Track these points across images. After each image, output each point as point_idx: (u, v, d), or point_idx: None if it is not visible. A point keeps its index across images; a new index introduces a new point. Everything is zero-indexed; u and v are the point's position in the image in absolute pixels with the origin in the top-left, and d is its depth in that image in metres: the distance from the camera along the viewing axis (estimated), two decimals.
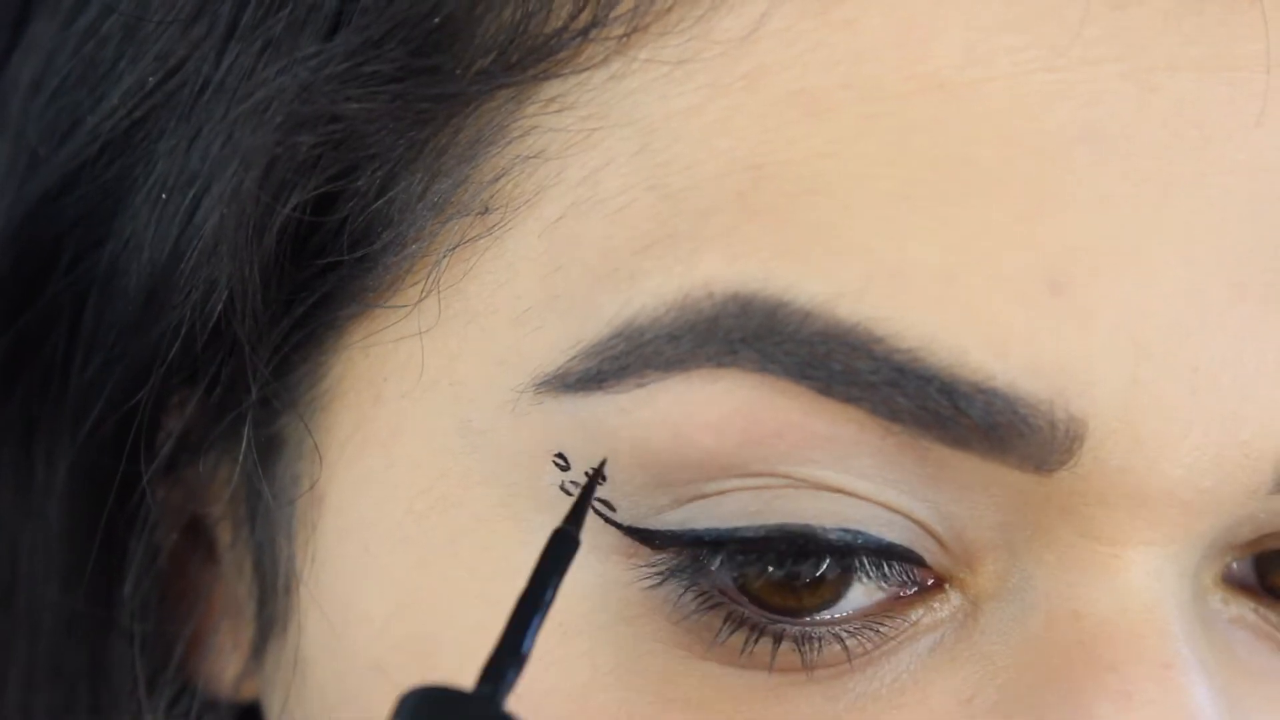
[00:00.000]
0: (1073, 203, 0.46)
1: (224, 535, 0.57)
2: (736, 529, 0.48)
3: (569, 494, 0.49)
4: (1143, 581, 0.48)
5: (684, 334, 0.47)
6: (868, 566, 0.48)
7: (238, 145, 0.51)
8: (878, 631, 0.49)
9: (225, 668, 0.58)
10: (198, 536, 0.58)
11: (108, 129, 0.54)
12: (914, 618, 0.49)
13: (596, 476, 0.48)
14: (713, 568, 0.48)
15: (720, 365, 0.47)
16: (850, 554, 0.48)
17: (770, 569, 0.48)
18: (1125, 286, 0.46)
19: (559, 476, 0.49)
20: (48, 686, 0.59)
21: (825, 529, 0.48)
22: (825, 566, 0.48)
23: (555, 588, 0.46)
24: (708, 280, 0.47)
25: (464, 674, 0.49)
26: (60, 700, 0.59)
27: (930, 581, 0.49)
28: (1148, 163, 0.46)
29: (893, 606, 0.49)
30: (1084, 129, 0.46)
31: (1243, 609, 0.50)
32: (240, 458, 0.54)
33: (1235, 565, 0.50)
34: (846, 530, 0.48)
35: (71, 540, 0.57)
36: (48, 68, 0.57)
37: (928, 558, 0.49)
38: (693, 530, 0.48)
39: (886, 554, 0.48)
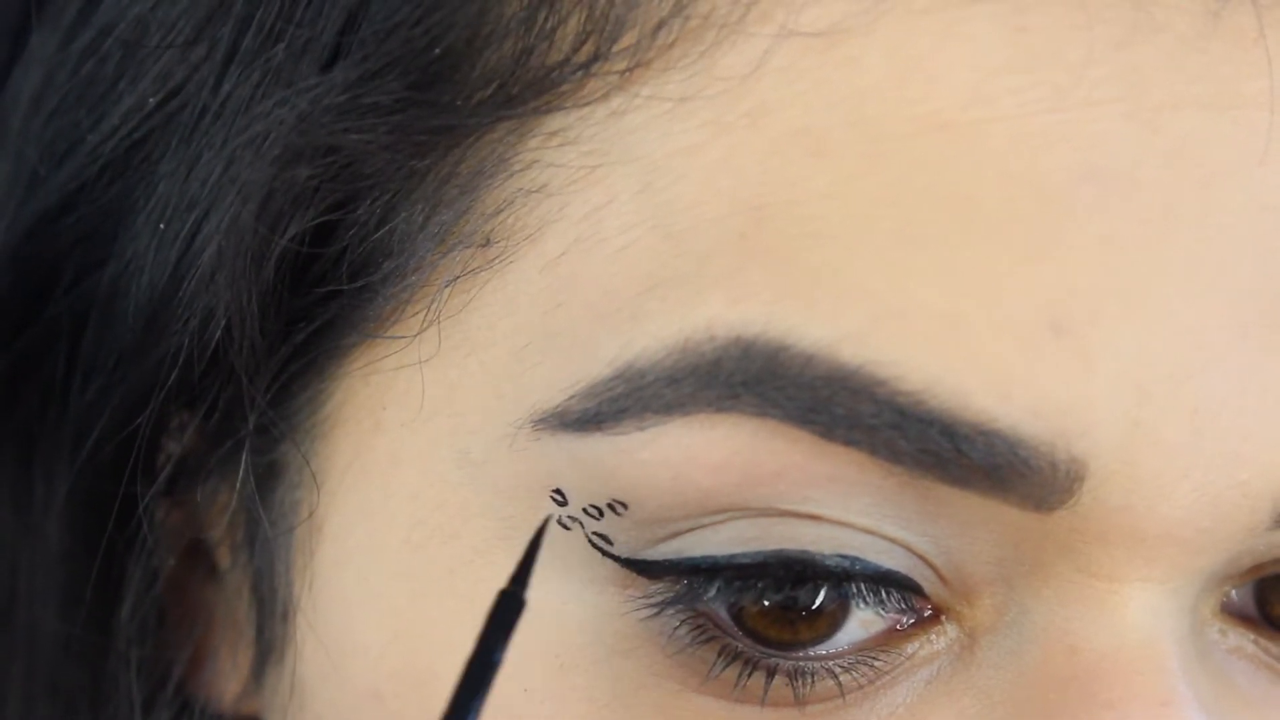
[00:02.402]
0: (1075, 244, 0.46)
1: (223, 558, 0.57)
2: (733, 555, 0.48)
3: (566, 529, 0.49)
4: (1140, 618, 0.48)
5: (685, 377, 0.47)
6: (865, 593, 0.48)
7: (235, 176, 0.50)
8: (872, 666, 0.49)
9: (226, 687, 0.58)
10: (199, 556, 0.58)
11: (108, 150, 0.54)
12: (909, 651, 0.49)
13: (541, 534, 0.48)
14: (708, 596, 0.48)
15: (720, 410, 0.47)
16: (848, 580, 0.48)
17: (767, 595, 0.48)
18: (1127, 328, 0.46)
19: (557, 511, 0.49)
20: (46, 705, 0.59)
21: (823, 555, 0.48)
22: (822, 593, 0.48)
23: (503, 649, 0.46)
24: (709, 323, 0.47)
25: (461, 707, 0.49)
26: (59, 718, 0.59)
27: (928, 613, 0.49)
28: (1150, 202, 0.46)
29: (888, 640, 0.49)
30: (1087, 170, 0.46)
31: (1241, 639, 0.50)
32: (238, 484, 0.54)
33: (1234, 594, 0.50)
34: (844, 556, 0.48)
35: (71, 561, 0.57)
36: (47, 85, 0.56)
37: (926, 587, 0.49)
38: (689, 558, 0.48)
39: (884, 580, 0.48)
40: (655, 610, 0.49)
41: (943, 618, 0.49)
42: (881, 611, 0.49)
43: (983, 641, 0.49)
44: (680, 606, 0.49)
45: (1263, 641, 0.51)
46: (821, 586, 0.48)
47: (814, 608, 0.48)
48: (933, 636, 0.49)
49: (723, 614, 0.49)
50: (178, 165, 0.53)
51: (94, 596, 0.56)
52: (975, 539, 0.48)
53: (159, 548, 0.56)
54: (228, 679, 0.58)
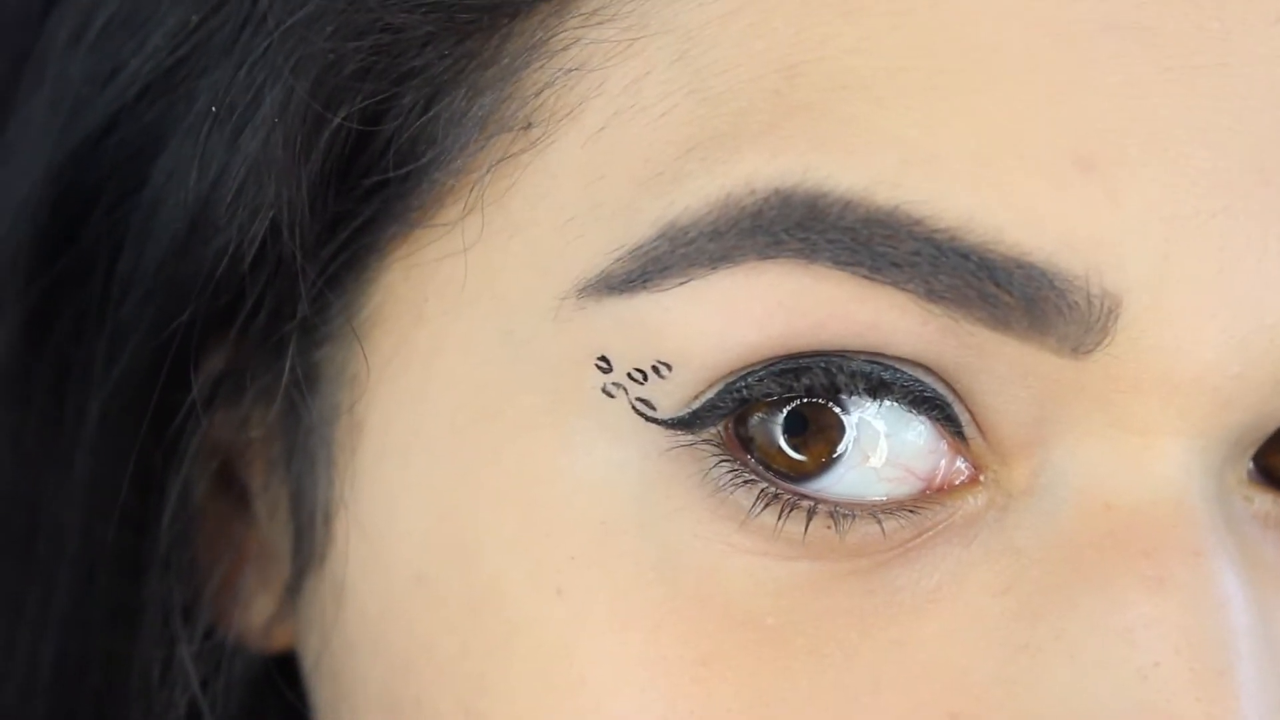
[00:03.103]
0: (1099, 87, 0.47)
1: (257, 476, 0.58)
2: (770, 360, 0.49)
3: (611, 396, 0.50)
4: (1173, 472, 0.49)
5: (727, 230, 0.48)
6: (900, 401, 0.49)
7: (288, 56, 0.52)
8: (913, 514, 0.50)
9: (257, 614, 0.59)
10: (226, 483, 0.59)
11: (148, 70, 0.55)
12: (951, 507, 0.50)
13: None
14: (749, 420, 0.49)
15: (765, 258, 0.48)
16: (883, 390, 0.49)
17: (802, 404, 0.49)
18: (1151, 167, 0.47)
19: (601, 379, 0.50)
20: (59, 636, 0.59)
21: (856, 359, 0.49)
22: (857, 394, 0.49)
23: None
24: (749, 177, 0.48)
25: (506, 579, 0.50)
26: (74, 648, 0.59)
27: (966, 474, 0.50)
28: (1171, 52, 0.48)
29: (927, 497, 0.50)
30: (1108, 19, 0.48)
31: (1265, 504, 0.51)
32: (279, 391, 0.55)
33: (1252, 466, 0.52)
34: (879, 363, 0.49)
35: (103, 480, 0.57)
36: (87, 19, 0.58)
37: (966, 431, 0.50)
38: (727, 383, 0.49)
39: (918, 403, 0.49)
40: (697, 461, 0.50)
41: (981, 477, 0.50)
42: (922, 421, 0.50)
43: (1020, 503, 0.50)
44: (717, 447, 0.50)
45: None
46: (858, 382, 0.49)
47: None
48: (970, 497, 0.50)
49: (754, 459, 0.50)
50: (220, 75, 0.54)
51: (132, 511, 0.57)
52: (1014, 396, 0.49)
53: (195, 465, 0.57)
54: (259, 607, 0.59)
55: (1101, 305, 0.47)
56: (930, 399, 0.49)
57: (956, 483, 0.50)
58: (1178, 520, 0.49)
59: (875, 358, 0.49)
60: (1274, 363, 0.48)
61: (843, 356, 0.49)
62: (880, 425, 0.50)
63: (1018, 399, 0.49)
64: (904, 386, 0.49)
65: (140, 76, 0.56)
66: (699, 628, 0.49)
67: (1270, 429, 0.51)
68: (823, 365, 0.49)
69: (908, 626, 0.49)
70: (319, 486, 0.55)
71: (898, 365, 0.49)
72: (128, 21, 0.56)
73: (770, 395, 0.49)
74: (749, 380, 0.49)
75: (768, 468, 0.50)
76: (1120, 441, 0.49)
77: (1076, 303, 0.47)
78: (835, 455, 0.50)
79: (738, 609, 0.49)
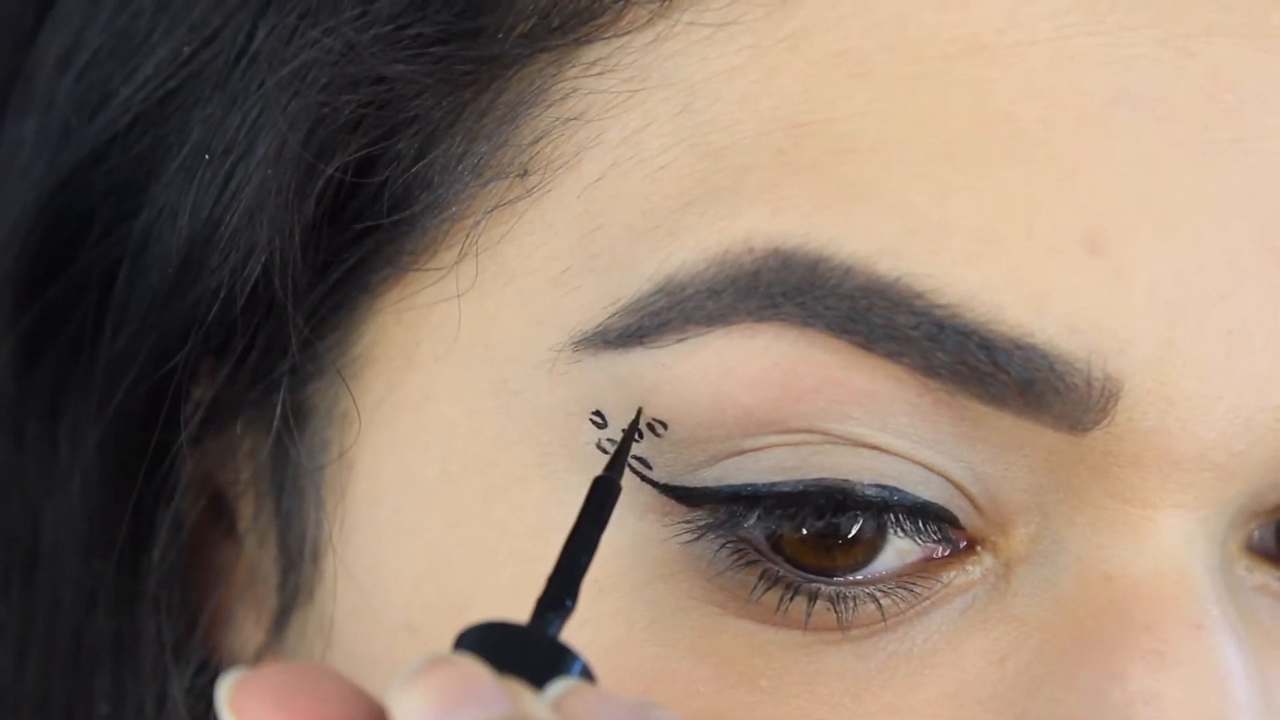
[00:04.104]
0: (1111, 164, 0.47)
1: (247, 507, 0.57)
2: (774, 484, 0.48)
3: (605, 452, 0.49)
4: (1174, 544, 0.48)
5: (725, 288, 0.47)
6: (903, 522, 0.49)
7: (281, 107, 0.51)
8: (911, 591, 0.49)
9: (246, 642, 0.58)
10: (217, 512, 0.58)
11: (140, 99, 0.55)
12: (946, 579, 0.49)
13: (636, 424, 0.48)
14: (748, 523, 0.49)
15: (761, 320, 0.47)
16: (886, 510, 0.49)
17: (807, 523, 0.49)
18: (1161, 248, 0.47)
19: (595, 434, 0.49)
20: (69, 660, 0.59)
21: (862, 484, 0.48)
22: (861, 522, 0.49)
23: (600, 532, 0.47)
24: (748, 235, 0.47)
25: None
26: (82, 674, 0.59)
27: (963, 543, 0.49)
28: (1184, 126, 0.47)
29: (926, 568, 0.49)
30: (1122, 92, 0.47)
31: (1266, 577, 0.51)
32: (270, 426, 0.54)
33: (1258, 534, 0.51)
34: (882, 486, 0.48)
35: (98, 511, 0.57)
36: (76, 42, 0.57)
37: (961, 518, 0.49)
38: (729, 485, 0.49)
39: (921, 512, 0.49)
40: (695, 535, 0.49)
41: (978, 548, 0.50)
42: (918, 540, 0.49)
43: (1018, 570, 0.49)
44: (720, 532, 0.49)
45: None
46: (860, 515, 0.49)
47: (852, 536, 0.49)
48: (968, 566, 0.50)
49: (762, 540, 0.49)
50: (213, 110, 0.53)
51: (123, 545, 0.56)
52: (1011, 464, 0.48)
53: (186, 495, 0.56)
54: (248, 635, 0.58)
55: (1102, 389, 0.47)
56: (935, 513, 0.49)
57: (954, 553, 0.50)
58: (1179, 593, 0.48)
59: (881, 479, 0.48)
60: (1279, 438, 0.48)
61: (846, 486, 0.48)
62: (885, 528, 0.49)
63: (1015, 467, 0.48)
64: (908, 508, 0.49)
65: (132, 106, 0.55)
66: (692, 688, 0.49)
67: (1271, 503, 0.50)
68: (830, 491, 0.48)
69: (902, 692, 0.49)
70: (307, 523, 0.55)
71: (902, 486, 0.48)
72: (117, 49, 0.56)
73: (774, 511, 0.49)
74: (751, 491, 0.48)
75: (776, 549, 0.49)
76: (1120, 513, 0.48)
77: (1075, 385, 0.47)
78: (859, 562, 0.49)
79: (731, 670, 0.49)
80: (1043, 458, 0.48)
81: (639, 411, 0.49)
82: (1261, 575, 0.51)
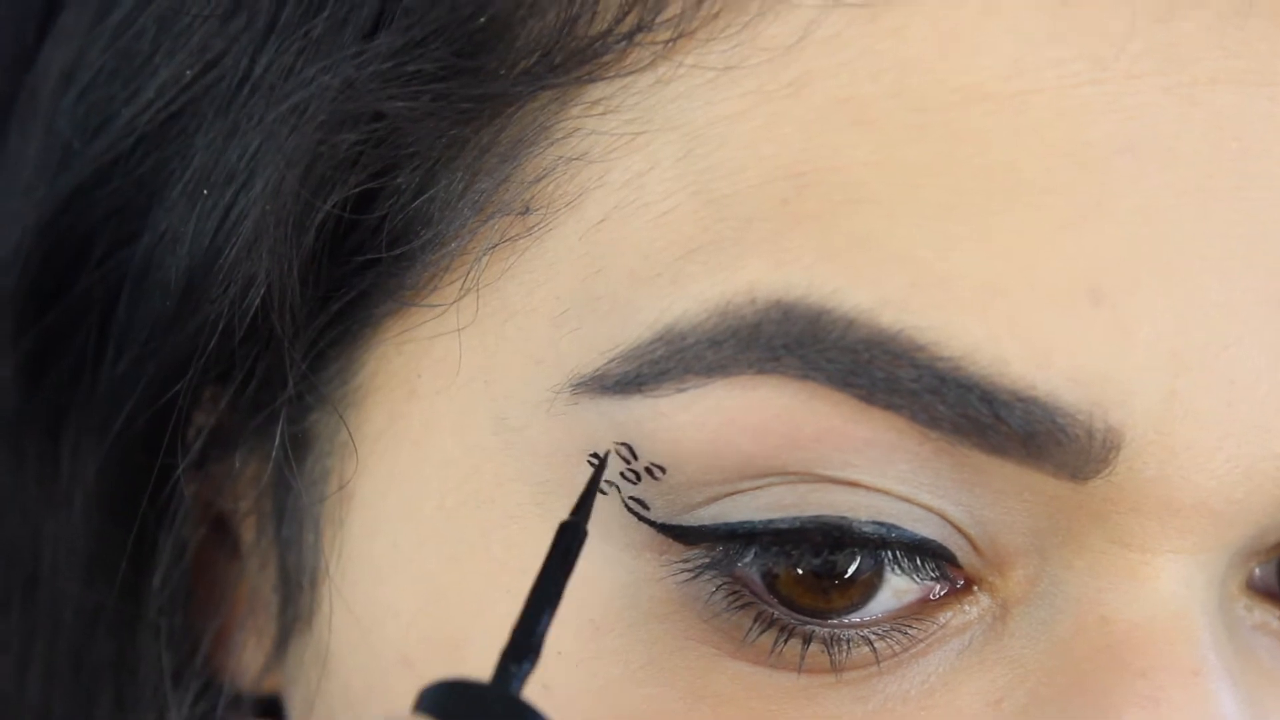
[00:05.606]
0: (1113, 214, 0.46)
1: (248, 532, 0.57)
2: (770, 520, 0.48)
3: (603, 493, 0.49)
4: (1172, 589, 0.48)
5: (725, 339, 0.47)
6: (900, 560, 0.49)
7: (279, 143, 0.51)
8: (906, 634, 0.49)
9: (249, 663, 0.58)
10: (222, 533, 0.58)
11: (143, 123, 0.54)
12: (942, 620, 0.49)
13: (602, 467, 0.49)
14: (744, 561, 0.49)
15: (762, 372, 0.47)
16: (883, 547, 0.49)
17: (803, 561, 0.49)
18: (1164, 299, 0.46)
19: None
20: (69, 681, 0.59)
21: (859, 521, 0.48)
22: (858, 561, 0.49)
23: (564, 580, 0.47)
24: (751, 286, 0.47)
25: (492, 669, 0.50)
26: (82, 695, 0.59)
27: (960, 583, 0.49)
28: (1187, 175, 0.47)
29: (922, 609, 0.49)
30: (1126, 141, 0.47)
31: (1266, 616, 0.51)
32: (271, 453, 0.54)
33: (1258, 572, 0.51)
34: (880, 523, 0.48)
35: (98, 534, 0.57)
36: (79, 61, 0.57)
37: (959, 556, 0.49)
38: (726, 523, 0.49)
39: (919, 549, 0.49)
40: (691, 575, 0.49)
41: (975, 588, 0.50)
42: (915, 579, 0.49)
43: (1015, 612, 0.49)
44: (716, 572, 0.49)
45: None
46: (857, 554, 0.49)
47: (849, 575, 0.49)
48: (965, 606, 0.50)
49: (757, 580, 0.49)
50: (215, 137, 0.53)
51: (124, 568, 0.56)
52: (1010, 509, 0.48)
53: (188, 520, 0.56)
54: (251, 655, 0.58)
55: (1104, 440, 0.46)
56: (933, 550, 0.49)
57: (951, 592, 0.50)
58: (1175, 638, 0.48)
59: (879, 517, 0.48)
60: (1278, 485, 0.48)
61: (843, 523, 0.48)
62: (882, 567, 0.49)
63: (1013, 511, 0.48)
64: (906, 544, 0.48)
65: (135, 128, 0.54)
66: None
67: (1271, 542, 0.50)
68: (828, 528, 0.48)
69: None
70: (306, 552, 0.55)
71: (899, 523, 0.48)
72: (119, 71, 0.55)
73: (770, 548, 0.48)
74: (748, 529, 0.48)
75: (772, 590, 0.49)
76: (1118, 558, 0.48)
77: (1077, 436, 0.46)
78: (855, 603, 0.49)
79: (728, 712, 0.49)
80: (1042, 503, 0.48)
81: (606, 453, 0.49)
82: (1261, 614, 0.51)
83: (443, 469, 0.52)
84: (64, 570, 0.58)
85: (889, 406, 0.47)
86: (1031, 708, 0.49)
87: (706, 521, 0.49)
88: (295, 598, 0.56)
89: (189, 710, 0.56)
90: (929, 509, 0.48)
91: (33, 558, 0.59)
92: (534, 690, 0.49)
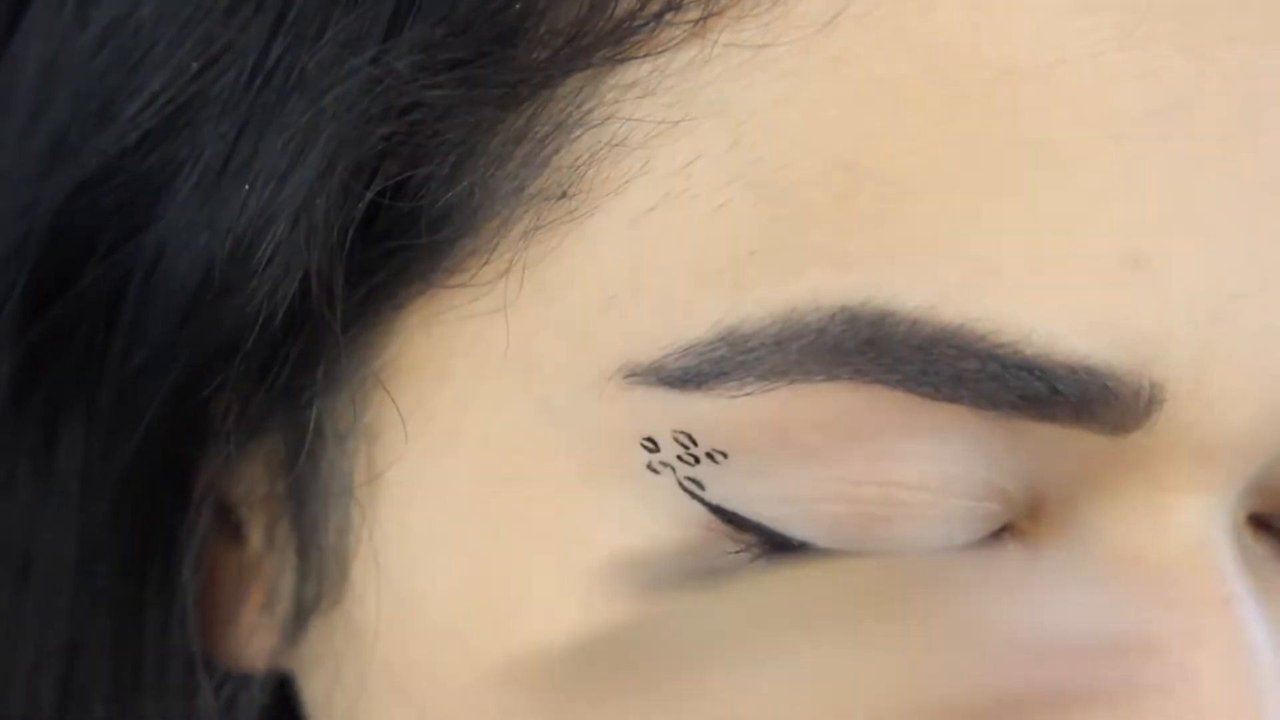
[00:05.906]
0: (1144, 179, 0.48)
1: (261, 518, 0.57)
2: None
3: (656, 473, 0.50)
4: (1198, 522, 0.50)
5: (789, 343, 0.48)
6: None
7: (312, 135, 0.51)
8: None
9: (258, 650, 0.58)
10: (229, 519, 0.58)
11: (149, 116, 0.54)
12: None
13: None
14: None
15: (830, 378, 0.48)
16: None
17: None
18: (1195, 256, 0.48)
19: (647, 457, 0.50)
20: (60, 667, 0.58)
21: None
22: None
23: None
24: (815, 292, 0.48)
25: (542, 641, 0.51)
26: (78, 679, 0.58)
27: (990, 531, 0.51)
28: (1206, 133, 0.48)
29: None
30: (1151, 106, 0.48)
31: (1262, 545, 0.53)
32: (293, 439, 0.54)
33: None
34: (929, 490, 0.49)
35: (99, 522, 0.57)
36: (63, 51, 0.55)
37: (1000, 510, 0.50)
38: (781, 531, 0.49)
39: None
40: (740, 548, 0.50)
41: (1005, 534, 0.51)
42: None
43: (1045, 556, 0.51)
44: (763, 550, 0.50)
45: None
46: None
47: None
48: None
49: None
50: (228, 129, 0.52)
51: (133, 557, 0.56)
52: (1052, 464, 0.50)
53: (199, 509, 0.56)
54: (259, 645, 0.58)
55: (1149, 397, 0.48)
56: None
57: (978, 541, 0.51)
58: (1206, 569, 0.50)
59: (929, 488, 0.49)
60: None
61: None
62: None
63: (1054, 466, 0.50)
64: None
65: (140, 123, 0.54)
66: None
67: (1276, 473, 0.52)
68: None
69: None
70: (330, 536, 0.55)
71: (950, 496, 0.49)
72: (118, 63, 0.54)
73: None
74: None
75: None
76: (1149, 499, 0.50)
77: (1124, 396, 0.48)
78: None
79: None
80: (1083, 457, 0.50)
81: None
82: (1262, 546, 0.53)
83: (480, 448, 0.52)
84: (62, 561, 0.57)
85: (953, 399, 0.48)
86: None
87: (759, 518, 0.50)
88: (317, 578, 0.56)
89: (192, 701, 0.56)
90: (979, 480, 0.50)
91: (25, 546, 0.58)
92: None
